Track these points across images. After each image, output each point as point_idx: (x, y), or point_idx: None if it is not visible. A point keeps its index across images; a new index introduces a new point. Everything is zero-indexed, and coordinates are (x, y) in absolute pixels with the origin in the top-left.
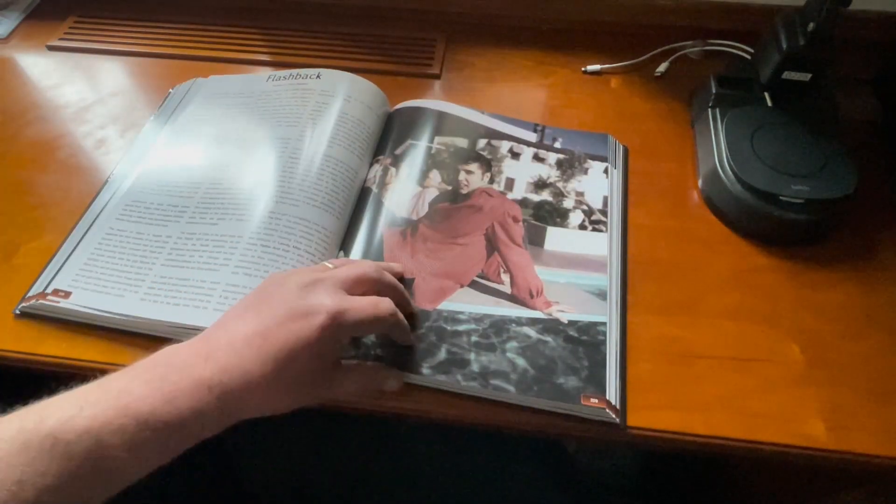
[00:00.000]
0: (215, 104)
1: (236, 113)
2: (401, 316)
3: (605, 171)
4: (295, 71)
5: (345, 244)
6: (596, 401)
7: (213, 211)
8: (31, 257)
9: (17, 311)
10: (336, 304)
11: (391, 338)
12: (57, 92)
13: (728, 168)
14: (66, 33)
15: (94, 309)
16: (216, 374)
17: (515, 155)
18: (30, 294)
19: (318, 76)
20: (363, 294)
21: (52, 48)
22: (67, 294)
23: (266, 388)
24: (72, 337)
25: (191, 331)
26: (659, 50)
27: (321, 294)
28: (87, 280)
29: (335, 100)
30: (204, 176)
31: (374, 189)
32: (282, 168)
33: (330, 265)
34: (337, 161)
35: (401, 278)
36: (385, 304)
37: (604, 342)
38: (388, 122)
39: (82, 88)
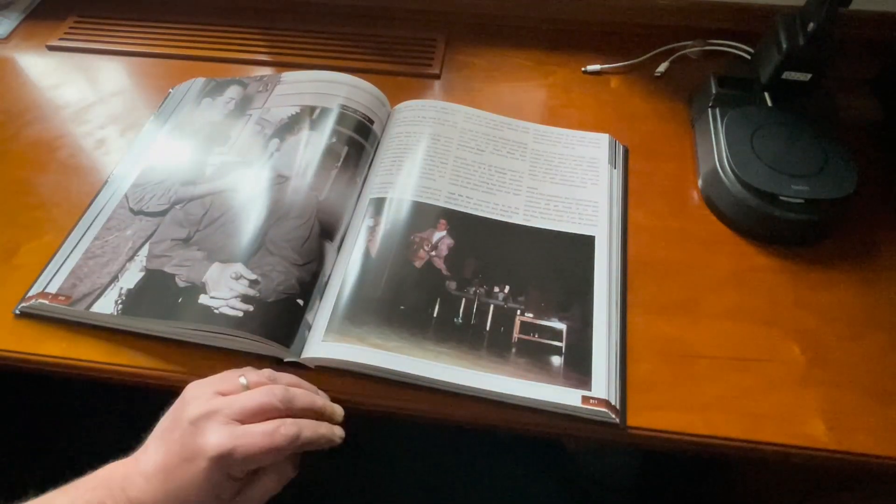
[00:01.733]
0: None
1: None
2: (307, 433)
3: (607, 171)
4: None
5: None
6: (595, 401)
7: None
8: (31, 257)
9: (17, 311)
10: (221, 443)
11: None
12: (57, 92)
13: (728, 168)
14: (66, 33)
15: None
16: (140, 498)
17: None
18: (30, 294)
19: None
20: (268, 419)
21: (52, 48)
22: (68, 296)
23: None
24: (72, 337)
25: (191, 331)
26: (659, 50)
27: (209, 433)
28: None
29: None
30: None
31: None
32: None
33: (244, 379)
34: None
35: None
36: (284, 431)
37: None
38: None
39: (82, 88)
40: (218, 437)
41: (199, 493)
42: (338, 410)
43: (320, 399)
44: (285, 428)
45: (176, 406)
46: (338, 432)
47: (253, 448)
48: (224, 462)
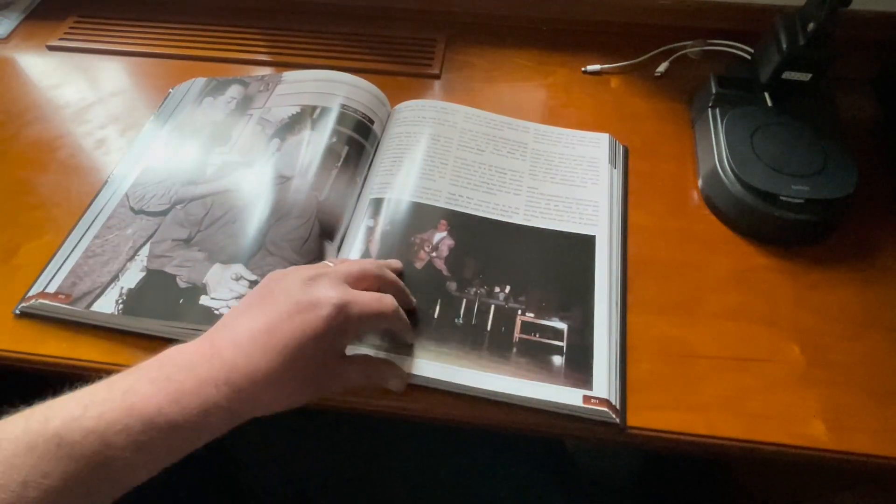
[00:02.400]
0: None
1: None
2: (402, 313)
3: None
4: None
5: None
6: (596, 401)
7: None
8: (31, 257)
9: (17, 311)
10: (340, 296)
11: (394, 334)
12: (57, 92)
13: (728, 168)
14: (66, 33)
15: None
16: (222, 373)
17: None
18: (30, 294)
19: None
20: (365, 290)
21: (52, 48)
22: (68, 295)
23: (273, 383)
24: (72, 337)
25: (191, 331)
26: (659, 50)
27: (325, 287)
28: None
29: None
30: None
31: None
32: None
33: (330, 263)
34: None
35: (401, 275)
36: (388, 300)
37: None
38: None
39: (82, 88)
40: (336, 291)
41: (316, 343)
42: (414, 302)
43: (402, 284)
44: (387, 299)
45: (263, 284)
46: (412, 337)
47: (366, 307)
48: (343, 312)
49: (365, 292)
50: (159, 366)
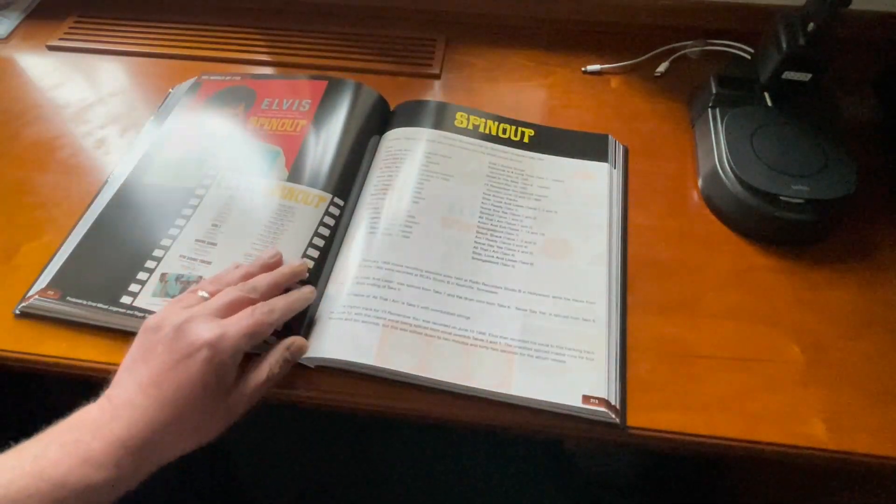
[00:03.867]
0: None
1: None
2: (282, 305)
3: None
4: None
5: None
6: (596, 401)
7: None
8: (31, 257)
9: (17, 311)
10: (212, 333)
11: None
12: (57, 92)
13: (728, 168)
14: (66, 33)
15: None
16: (124, 430)
17: None
18: (30, 294)
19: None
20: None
21: (52, 48)
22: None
23: (174, 431)
24: (72, 337)
25: None
26: (659, 50)
27: (196, 329)
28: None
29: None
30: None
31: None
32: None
33: (203, 293)
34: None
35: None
36: (261, 310)
37: None
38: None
39: (82, 88)
40: (208, 329)
41: (202, 385)
42: (298, 269)
43: (280, 272)
44: (261, 308)
45: (142, 336)
46: (305, 293)
47: (241, 330)
48: (218, 347)
49: (236, 317)
50: (69, 429)
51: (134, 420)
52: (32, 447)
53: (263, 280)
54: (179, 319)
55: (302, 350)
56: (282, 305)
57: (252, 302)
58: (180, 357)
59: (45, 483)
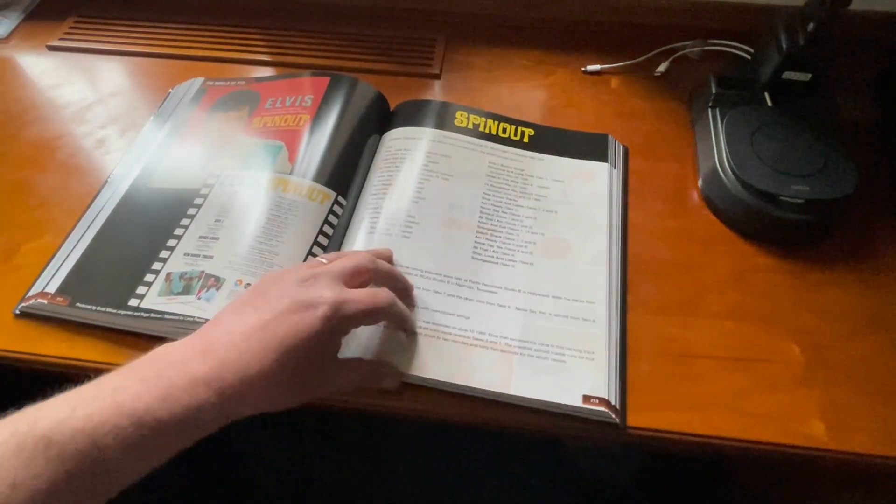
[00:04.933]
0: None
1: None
2: (400, 304)
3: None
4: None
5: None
6: (596, 401)
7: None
8: (31, 257)
9: (17, 311)
10: (336, 295)
11: (392, 325)
12: (57, 92)
13: (728, 168)
14: (66, 33)
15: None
16: (214, 370)
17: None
18: (30, 294)
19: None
20: (361, 285)
21: (52, 48)
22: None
23: (265, 383)
24: (72, 337)
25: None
26: (659, 50)
27: (320, 287)
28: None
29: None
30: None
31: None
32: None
33: (324, 260)
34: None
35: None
36: (383, 294)
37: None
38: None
39: (82, 88)
40: (332, 291)
41: (315, 340)
42: (410, 286)
43: (397, 271)
44: (382, 293)
45: (258, 285)
46: (412, 324)
47: (362, 304)
48: (339, 311)
49: (360, 290)
50: (150, 363)
51: (228, 361)
52: (112, 379)
53: (385, 263)
54: (305, 274)
55: (386, 381)
56: (400, 305)
57: (373, 276)
58: (298, 308)
59: (123, 418)
